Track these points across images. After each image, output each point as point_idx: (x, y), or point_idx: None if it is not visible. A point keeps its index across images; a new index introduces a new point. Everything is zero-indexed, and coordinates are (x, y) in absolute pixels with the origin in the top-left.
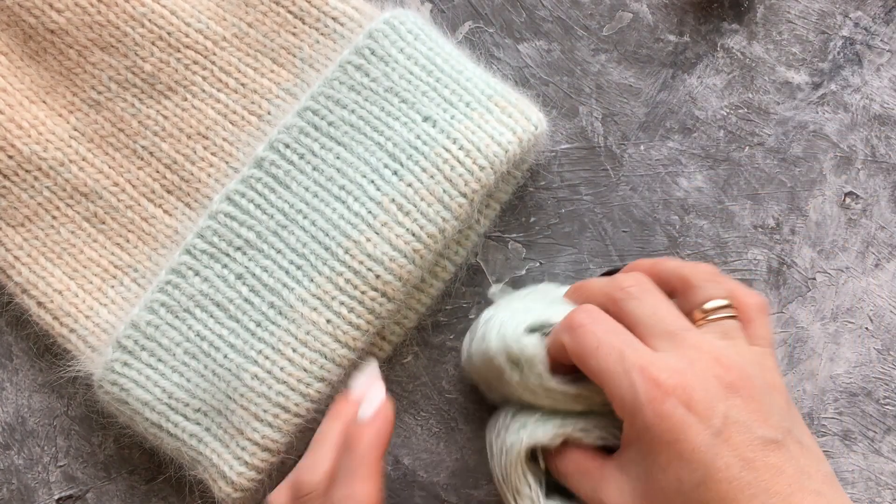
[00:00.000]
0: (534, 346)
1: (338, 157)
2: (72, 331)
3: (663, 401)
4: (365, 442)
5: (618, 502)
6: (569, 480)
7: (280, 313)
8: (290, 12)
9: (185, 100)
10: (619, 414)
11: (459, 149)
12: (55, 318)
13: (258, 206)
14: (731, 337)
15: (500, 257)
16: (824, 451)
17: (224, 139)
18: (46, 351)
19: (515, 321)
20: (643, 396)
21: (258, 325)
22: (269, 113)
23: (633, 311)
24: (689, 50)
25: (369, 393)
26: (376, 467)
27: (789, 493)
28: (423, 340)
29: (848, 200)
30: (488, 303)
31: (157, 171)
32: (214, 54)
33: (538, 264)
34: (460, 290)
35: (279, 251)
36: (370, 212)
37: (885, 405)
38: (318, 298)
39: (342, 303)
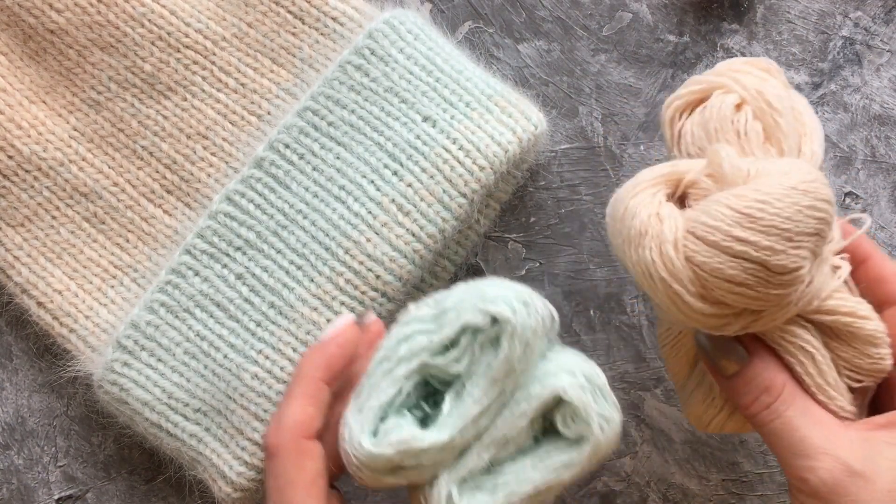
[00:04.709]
0: (383, 449)
1: (338, 158)
2: (72, 331)
3: None
4: (305, 363)
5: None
6: (769, 415)
7: (280, 313)
8: (290, 12)
9: (185, 100)
10: None
11: (459, 149)
12: (55, 318)
13: (258, 207)
14: None
15: (500, 257)
16: None
17: (224, 139)
18: (46, 351)
19: (357, 429)
20: None
21: (258, 325)
22: (269, 113)
23: None
24: (689, 50)
25: (334, 322)
26: (312, 388)
27: None
28: None
29: (848, 200)
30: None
31: (157, 171)
32: (214, 54)
33: (538, 264)
34: None
35: (279, 251)
36: (370, 212)
37: None
38: (319, 298)
39: (342, 303)
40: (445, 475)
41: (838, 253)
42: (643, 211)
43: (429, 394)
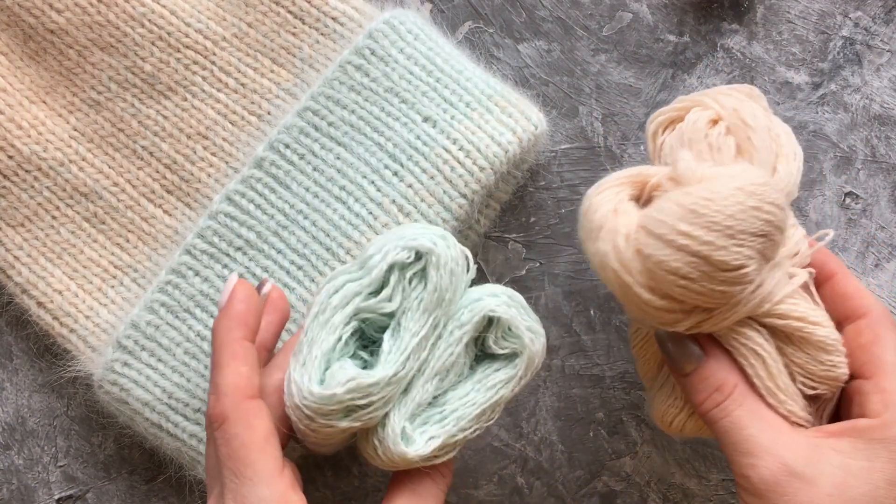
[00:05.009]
0: (334, 391)
1: (338, 158)
2: (72, 331)
3: None
4: (217, 330)
5: (838, 481)
6: (719, 413)
7: None
8: (290, 12)
9: (185, 100)
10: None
11: (459, 149)
12: (55, 318)
13: (258, 207)
14: None
15: (500, 257)
16: None
17: (224, 139)
18: (46, 351)
19: (305, 381)
20: None
21: None
22: (269, 113)
23: None
24: (689, 50)
25: (226, 284)
26: (237, 349)
27: None
28: None
29: (848, 200)
30: None
31: (157, 171)
32: (214, 54)
33: (538, 264)
34: None
35: (280, 251)
36: (371, 213)
37: None
38: None
39: None
40: (395, 413)
41: (805, 267)
42: (604, 207)
43: (365, 345)
